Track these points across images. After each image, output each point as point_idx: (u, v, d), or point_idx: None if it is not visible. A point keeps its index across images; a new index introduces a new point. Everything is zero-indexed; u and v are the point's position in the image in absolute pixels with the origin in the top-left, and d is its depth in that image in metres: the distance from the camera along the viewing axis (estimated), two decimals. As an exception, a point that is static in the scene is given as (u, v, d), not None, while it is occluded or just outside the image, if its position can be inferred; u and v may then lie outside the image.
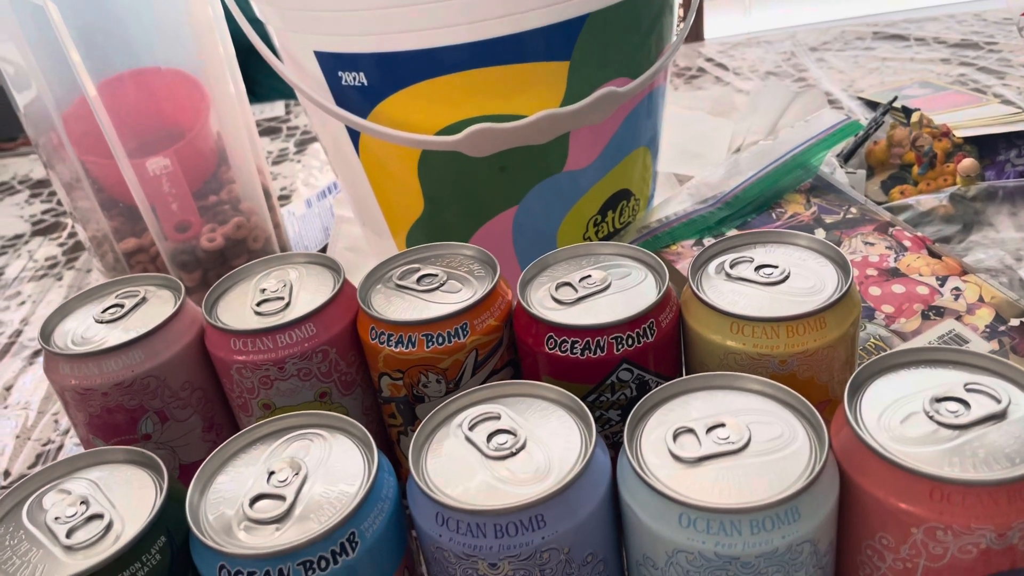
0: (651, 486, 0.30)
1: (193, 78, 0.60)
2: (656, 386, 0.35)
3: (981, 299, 0.51)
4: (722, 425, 0.32)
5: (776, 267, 0.40)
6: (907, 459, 0.29)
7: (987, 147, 0.69)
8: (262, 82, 1.11)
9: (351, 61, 0.48)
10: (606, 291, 0.41)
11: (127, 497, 0.34)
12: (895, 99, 0.78)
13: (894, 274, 0.53)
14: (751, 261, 0.41)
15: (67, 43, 0.53)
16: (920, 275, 0.52)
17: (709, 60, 1.07)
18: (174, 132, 0.60)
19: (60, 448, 0.59)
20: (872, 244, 0.55)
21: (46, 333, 0.44)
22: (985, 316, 0.50)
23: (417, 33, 0.46)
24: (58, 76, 0.55)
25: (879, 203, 0.62)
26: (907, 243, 0.55)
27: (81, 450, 0.36)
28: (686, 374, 0.35)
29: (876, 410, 0.32)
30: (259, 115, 1.12)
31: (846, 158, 0.71)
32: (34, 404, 0.63)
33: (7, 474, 0.57)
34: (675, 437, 0.32)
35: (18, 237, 0.91)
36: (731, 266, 0.40)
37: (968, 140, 0.69)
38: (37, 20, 0.53)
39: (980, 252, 0.59)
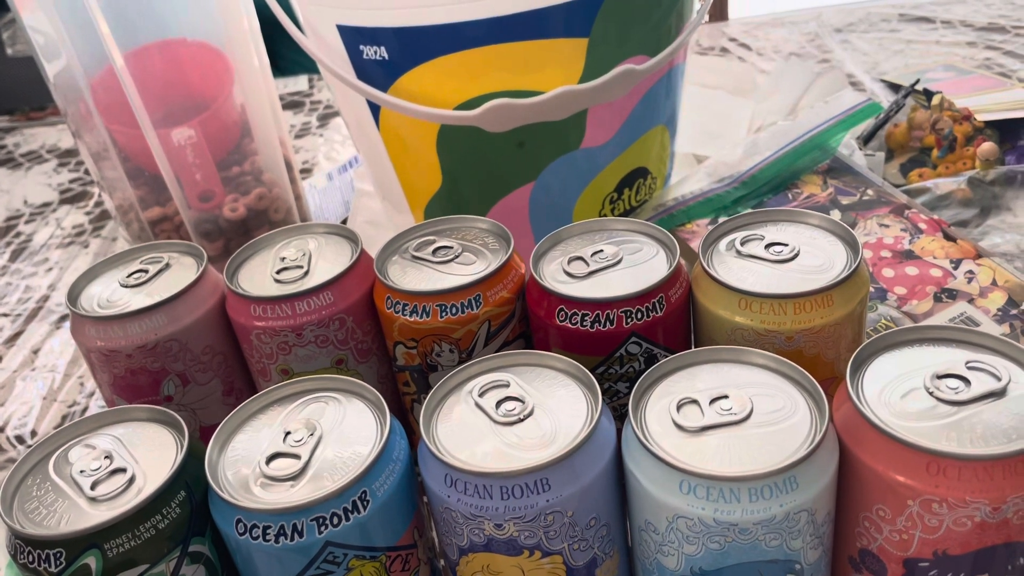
0: (653, 453, 0.31)
1: (218, 50, 0.61)
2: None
3: (994, 282, 0.51)
4: (725, 397, 0.33)
5: (786, 245, 0.40)
6: (905, 433, 0.30)
7: (1008, 131, 0.69)
8: (286, 56, 1.12)
9: (372, 35, 0.48)
10: (617, 266, 0.41)
11: (149, 453, 0.35)
12: (917, 82, 0.77)
13: (908, 256, 0.53)
14: (762, 239, 0.41)
15: (95, 13, 0.54)
16: (934, 258, 0.53)
17: (732, 40, 1.07)
18: (199, 103, 0.61)
19: (85, 410, 0.60)
20: (887, 226, 0.55)
21: (73, 296, 0.45)
22: (998, 299, 0.50)
23: (438, 8, 0.46)
24: (87, 46, 0.57)
25: (897, 186, 0.62)
26: (922, 226, 0.55)
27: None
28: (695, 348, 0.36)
29: (877, 385, 0.32)
30: (283, 89, 1.12)
31: (866, 140, 0.71)
32: (60, 367, 0.65)
33: (34, 433, 0.59)
34: (679, 407, 0.33)
35: (46, 205, 0.93)
36: (742, 243, 0.41)
37: (989, 124, 0.69)
38: (67, -10, 0.54)
39: (997, 236, 0.59)
